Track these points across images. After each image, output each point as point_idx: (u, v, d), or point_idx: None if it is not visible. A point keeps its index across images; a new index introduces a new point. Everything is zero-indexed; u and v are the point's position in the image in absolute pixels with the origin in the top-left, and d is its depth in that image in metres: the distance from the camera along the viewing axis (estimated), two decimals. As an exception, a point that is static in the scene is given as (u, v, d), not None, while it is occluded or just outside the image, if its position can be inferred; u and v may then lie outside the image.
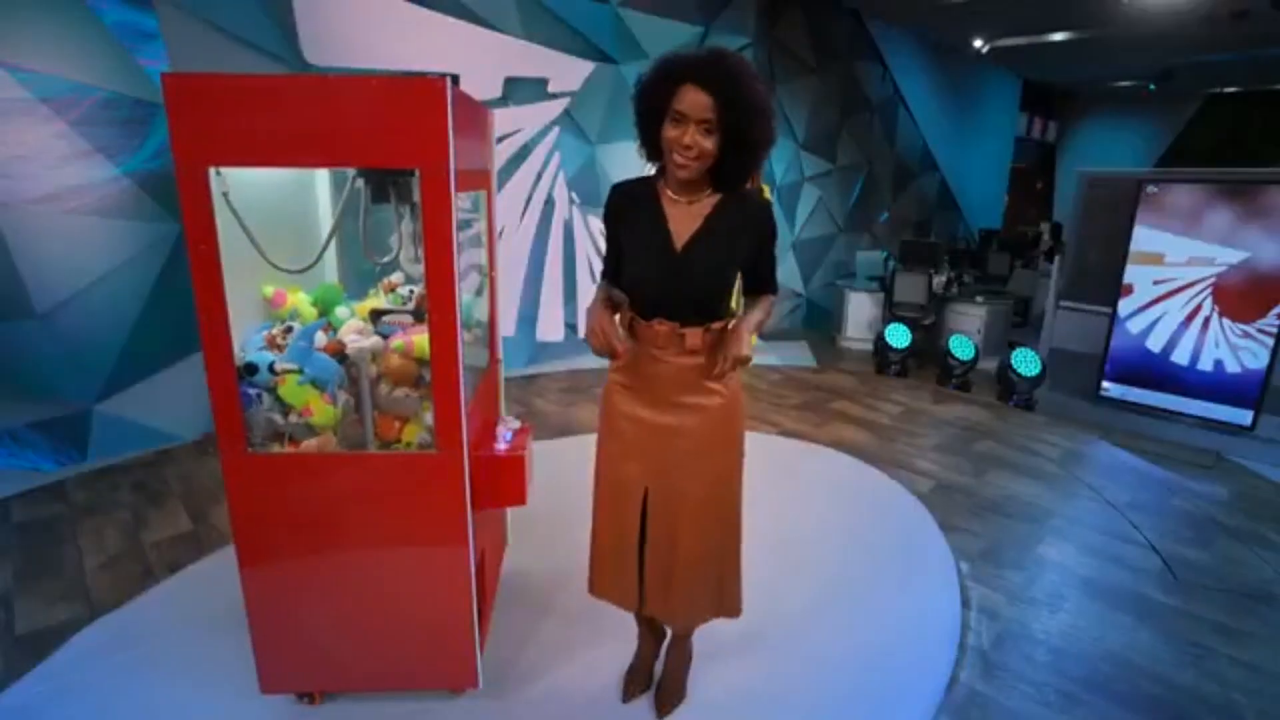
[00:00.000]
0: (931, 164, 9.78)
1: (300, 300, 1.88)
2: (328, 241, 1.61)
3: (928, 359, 5.81)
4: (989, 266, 7.75)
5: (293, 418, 1.67)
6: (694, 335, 1.54)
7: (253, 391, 1.62)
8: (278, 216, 1.83)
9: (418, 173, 1.48)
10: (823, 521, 3.03)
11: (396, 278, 2.10)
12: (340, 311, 1.96)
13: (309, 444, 1.69)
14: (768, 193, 2.36)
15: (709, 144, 1.40)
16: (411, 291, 1.96)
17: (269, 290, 1.82)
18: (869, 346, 6.66)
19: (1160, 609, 2.49)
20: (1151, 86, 10.73)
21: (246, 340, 1.73)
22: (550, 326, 5.43)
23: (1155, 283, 4.95)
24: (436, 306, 1.54)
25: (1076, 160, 14.29)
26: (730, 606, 1.83)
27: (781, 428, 4.16)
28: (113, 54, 3.26)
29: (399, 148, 1.45)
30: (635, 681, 1.99)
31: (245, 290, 1.77)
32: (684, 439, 1.62)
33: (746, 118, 1.39)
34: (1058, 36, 8.77)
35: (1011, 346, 6.55)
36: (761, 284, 1.68)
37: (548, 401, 4.43)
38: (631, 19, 5.27)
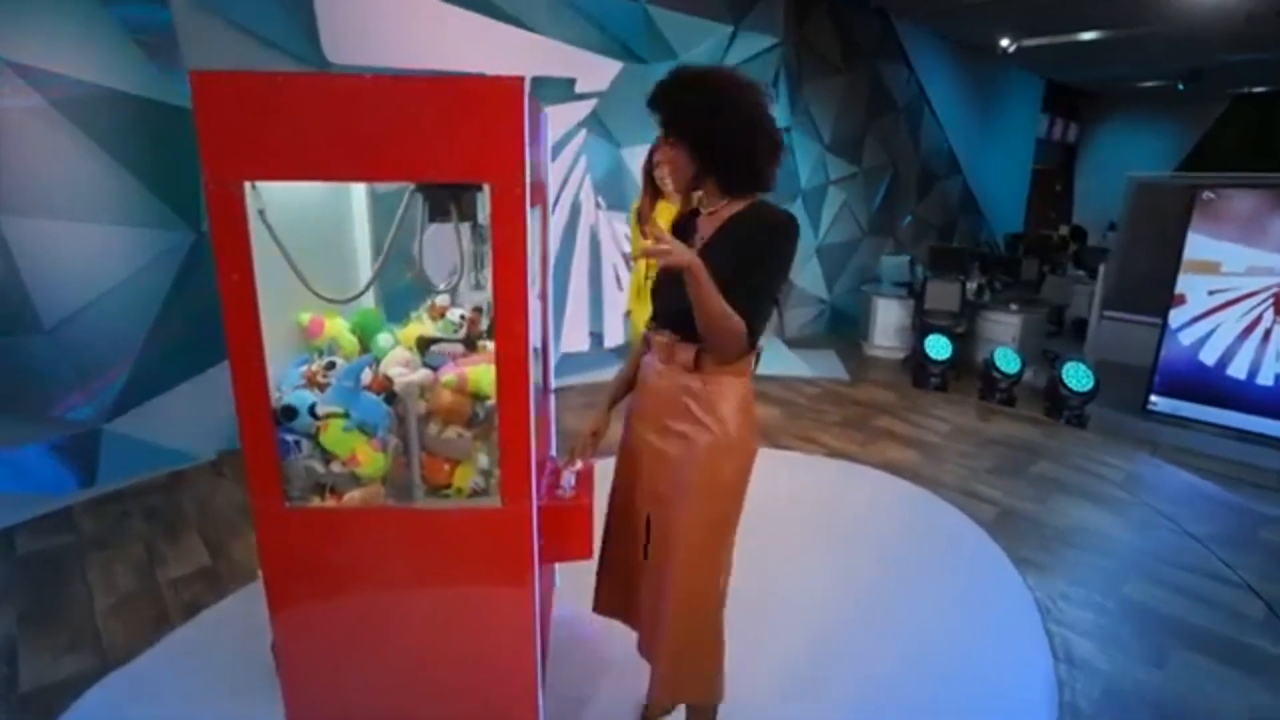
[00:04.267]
0: (955, 167, 9.56)
1: (338, 328, 1.67)
2: (380, 268, 1.40)
3: (962, 369, 5.58)
4: (1022, 272, 7.51)
5: (335, 466, 1.46)
6: (686, 350, 1.44)
7: (290, 438, 1.42)
8: (309, 234, 1.63)
9: (486, 188, 1.28)
10: (887, 556, 2.81)
11: (443, 301, 1.89)
12: (382, 339, 1.75)
13: (353, 496, 1.48)
14: None
15: (674, 152, 1.44)
16: (463, 317, 1.75)
17: (304, 318, 1.62)
18: (898, 355, 6.45)
19: (1275, 664, 2.26)
20: (1180, 86, 10.47)
21: (282, 377, 1.53)
22: (575, 337, 5.22)
23: (1210, 293, 4.72)
24: (507, 341, 1.33)
25: (1097, 162, 14.06)
26: (693, 691, 1.60)
27: (827, 447, 3.94)
28: (124, 52, 3.07)
29: (467, 159, 1.24)
30: None
31: (279, 317, 1.56)
32: (671, 469, 1.50)
33: (695, 120, 1.39)
34: (1087, 36, 8.56)
35: (1047, 355, 6.35)
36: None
37: (575, 417, 4.22)
38: (661, 17, 5.07)
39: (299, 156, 1.24)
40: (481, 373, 1.66)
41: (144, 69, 3.12)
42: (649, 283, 2.32)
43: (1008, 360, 4.94)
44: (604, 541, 1.77)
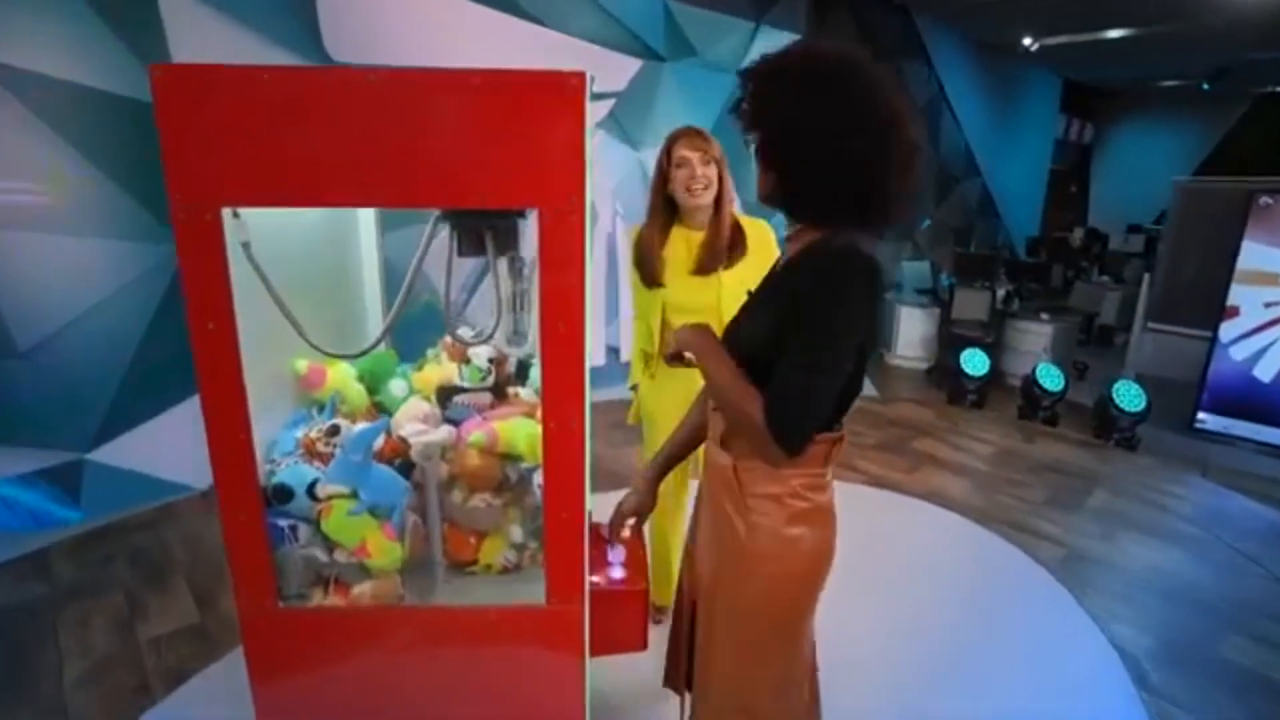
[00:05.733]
0: (973, 168, 9.28)
1: (343, 377, 1.39)
2: (395, 316, 1.11)
3: (993, 382, 5.29)
4: (1051, 279, 7.23)
5: (340, 555, 1.18)
6: (715, 420, 1.14)
7: (284, 524, 1.14)
8: (304, 266, 1.35)
9: (532, 214, 1.00)
10: (950, 603, 2.53)
11: (462, 331, 1.61)
12: (394, 387, 1.47)
13: (363, 590, 1.20)
14: (769, 232, 1.92)
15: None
16: (491, 363, 1.47)
17: (301, 365, 1.34)
18: (921, 365, 6.18)
19: None
20: (1205, 85, 10.19)
21: (273, 442, 1.25)
22: (592, 349, 4.93)
23: (1267, 305, 4.44)
24: (557, 411, 1.05)
25: (1114, 163, 13.81)
26: None
27: (868, 475, 3.66)
28: (105, 48, 2.79)
29: (511, 178, 0.96)
30: None
31: (269, 365, 1.28)
32: (706, 564, 1.19)
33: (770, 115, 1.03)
34: (1114, 34, 8.31)
35: (1076, 367, 6.06)
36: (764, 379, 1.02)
37: (597, 440, 3.94)
38: (681, 13, 4.79)
39: (293, 175, 0.96)
40: (514, 429, 1.38)
41: (128, 66, 2.84)
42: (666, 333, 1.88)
43: (1051, 376, 4.66)
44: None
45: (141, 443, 3.14)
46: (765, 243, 1.88)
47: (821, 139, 0.98)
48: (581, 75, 0.93)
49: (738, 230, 1.84)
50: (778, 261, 1.15)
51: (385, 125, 0.94)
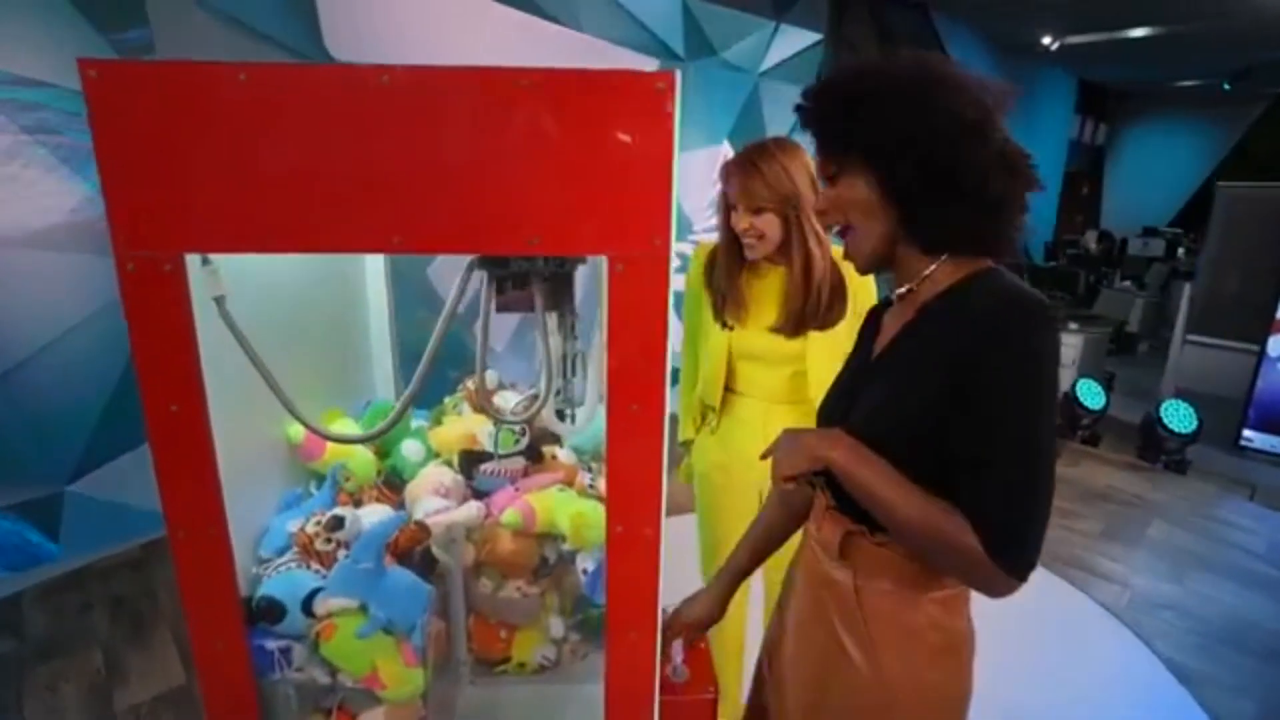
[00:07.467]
0: (990, 171, 9.07)
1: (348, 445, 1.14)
2: (415, 389, 0.85)
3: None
4: (1079, 285, 6.99)
5: (345, 677, 0.94)
6: (832, 526, 0.88)
7: (273, 646, 0.89)
8: (286, 302, 1.11)
9: (599, 262, 0.76)
10: (1011, 662, 2.28)
11: (490, 380, 1.37)
12: (408, 449, 1.22)
13: (373, 717, 0.96)
14: (871, 281, 1.36)
15: (850, 194, 0.84)
16: (524, 429, 1.22)
17: (297, 432, 1.09)
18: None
19: None
20: (1226, 86, 9.97)
21: (262, 532, 1.00)
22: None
23: (1321, 318, 4.23)
24: (626, 513, 0.81)
25: (1127, 164, 13.63)
26: None
27: (907, 505, 3.41)
28: (88, 46, 2.55)
29: (573, 216, 0.72)
30: None
31: (254, 434, 1.04)
32: (797, 686, 0.98)
33: (898, 139, 0.77)
34: (1137, 32, 8.10)
35: (1106, 377, 5.82)
36: (950, 480, 0.76)
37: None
38: (700, 11, 4.57)
39: (281, 210, 0.71)
40: (555, 504, 1.14)
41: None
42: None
43: (1091, 393, 4.41)
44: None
45: (126, 474, 2.90)
46: (869, 296, 1.42)
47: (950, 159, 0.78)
48: (669, 78, 0.69)
49: (837, 282, 1.39)
50: (915, 320, 0.85)
51: (404, 142, 0.70)
